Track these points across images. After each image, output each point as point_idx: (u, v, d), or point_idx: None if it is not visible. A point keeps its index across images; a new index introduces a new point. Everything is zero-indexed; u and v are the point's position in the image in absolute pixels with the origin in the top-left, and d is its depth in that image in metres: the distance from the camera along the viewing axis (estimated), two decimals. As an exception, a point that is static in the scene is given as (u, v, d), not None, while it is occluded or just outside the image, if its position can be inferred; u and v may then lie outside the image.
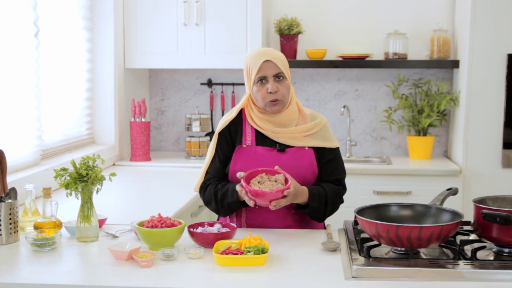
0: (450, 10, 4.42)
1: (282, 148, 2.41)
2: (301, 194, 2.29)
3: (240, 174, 2.23)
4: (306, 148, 2.42)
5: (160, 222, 2.11)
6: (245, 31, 4.13)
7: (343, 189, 2.50)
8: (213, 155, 2.46)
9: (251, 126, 2.45)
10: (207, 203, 2.44)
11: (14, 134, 3.00)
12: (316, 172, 2.43)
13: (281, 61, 2.39)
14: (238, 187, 2.24)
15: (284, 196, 2.18)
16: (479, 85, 4.00)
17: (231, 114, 2.47)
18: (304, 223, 2.46)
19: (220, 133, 2.45)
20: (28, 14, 3.08)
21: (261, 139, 2.44)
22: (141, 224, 2.12)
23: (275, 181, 2.24)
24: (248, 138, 2.44)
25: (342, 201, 2.50)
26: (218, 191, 2.37)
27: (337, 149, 2.49)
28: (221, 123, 2.47)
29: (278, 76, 2.37)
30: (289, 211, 2.41)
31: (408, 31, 4.41)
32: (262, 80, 2.37)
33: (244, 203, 2.32)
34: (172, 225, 2.11)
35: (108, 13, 4.01)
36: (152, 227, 2.09)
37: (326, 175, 2.45)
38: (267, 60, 2.36)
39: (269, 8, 4.47)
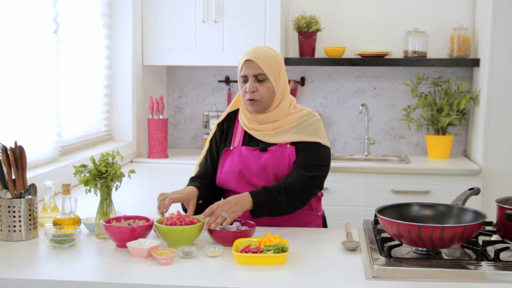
0: (470, 8, 4.37)
1: (264, 147, 2.40)
2: (243, 198, 2.22)
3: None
4: (288, 146, 2.38)
5: (179, 220, 2.10)
6: (264, 29, 4.11)
7: (302, 173, 2.31)
8: (206, 153, 2.53)
9: (242, 127, 2.47)
10: None
11: (33, 130, 3.01)
12: None
13: (266, 61, 2.34)
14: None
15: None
16: (500, 83, 3.96)
17: (226, 111, 2.55)
18: (294, 222, 2.42)
19: (217, 127, 2.52)
20: (48, 11, 3.09)
21: (248, 139, 2.45)
22: (160, 221, 2.12)
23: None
24: (237, 139, 2.46)
25: (306, 185, 2.31)
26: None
27: (321, 144, 2.38)
28: (220, 118, 2.54)
29: (258, 77, 2.35)
30: None
31: (428, 29, 4.36)
32: (244, 80, 2.38)
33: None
34: (191, 222, 2.10)
35: (127, 10, 4.01)
36: (171, 224, 2.08)
37: (294, 164, 2.37)
38: (248, 60, 2.35)
39: (287, 6, 4.45)
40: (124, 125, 4.11)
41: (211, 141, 2.53)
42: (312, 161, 2.36)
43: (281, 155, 2.38)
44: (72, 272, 1.87)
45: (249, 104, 2.38)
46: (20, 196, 2.19)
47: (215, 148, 2.51)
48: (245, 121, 2.44)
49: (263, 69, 2.33)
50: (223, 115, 2.54)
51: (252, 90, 2.34)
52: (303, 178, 2.31)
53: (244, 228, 2.16)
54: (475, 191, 2.29)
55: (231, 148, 2.44)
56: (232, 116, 2.52)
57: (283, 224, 2.39)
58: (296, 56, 4.49)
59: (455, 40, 4.27)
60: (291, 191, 2.28)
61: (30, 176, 2.64)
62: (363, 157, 4.43)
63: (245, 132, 2.46)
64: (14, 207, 2.15)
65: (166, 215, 2.20)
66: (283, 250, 1.93)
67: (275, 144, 2.40)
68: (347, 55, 4.45)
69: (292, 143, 2.39)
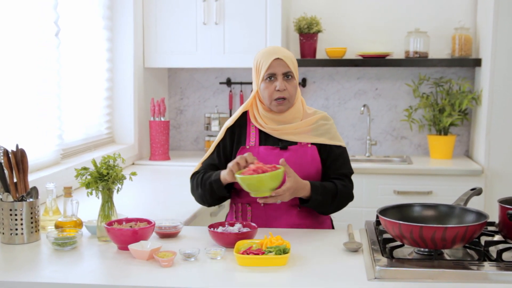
0: (472, 8, 4.37)
1: (284, 146, 2.41)
2: (303, 188, 2.28)
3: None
4: (309, 145, 2.41)
5: (255, 172, 2.13)
6: (265, 30, 4.11)
7: (349, 183, 2.47)
8: (213, 151, 2.49)
9: (255, 127, 2.46)
10: (192, 190, 2.46)
11: (35, 133, 3.01)
12: (319, 168, 2.42)
13: (291, 60, 2.40)
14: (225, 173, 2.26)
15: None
16: (502, 83, 3.95)
17: (236, 113, 2.51)
18: (310, 220, 2.43)
19: (226, 131, 2.48)
20: (49, 14, 3.09)
21: (265, 139, 2.44)
22: (240, 173, 2.15)
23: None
24: (252, 139, 2.45)
25: (351, 196, 2.46)
26: (204, 175, 2.39)
27: (344, 148, 2.48)
28: (228, 121, 2.50)
29: (287, 75, 2.38)
30: (294, 208, 2.40)
31: (429, 30, 4.36)
32: (271, 77, 2.37)
33: (226, 187, 2.34)
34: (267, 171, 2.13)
35: (128, 13, 4.01)
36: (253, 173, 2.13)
37: (332, 171, 2.43)
38: (278, 58, 2.37)
39: (288, 7, 4.45)
40: (126, 127, 4.11)
41: (219, 143, 2.48)
42: (351, 169, 2.48)
43: (303, 153, 2.40)
44: (74, 274, 1.87)
45: (276, 104, 2.38)
46: (21, 199, 2.19)
47: (223, 149, 2.47)
48: (261, 122, 2.44)
49: (290, 67, 2.38)
50: (231, 121, 2.49)
51: (284, 88, 2.36)
52: (351, 190, 2.45)
53: (245, 230, 2.15)
54: (477, 192, 2.29)
55: (247, 147, 2.43)
56: (242, 120, 2.49)
57: (297, 222, 2.41)
58: (297, 57, 4.48)
59: (457, 40, 4.26)
60: (341, 198, 2.39)
61: (32, 179, 2.64)
62: (365, 158, 4.43)
63: (260, 132, 2.45)
64: (16, 210, 2.15)
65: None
66: (284, 251, 1.93)
67: (295, 143, 2.42)
68: (348, 56, 4.45)
69: (313, 144, 2.42)
